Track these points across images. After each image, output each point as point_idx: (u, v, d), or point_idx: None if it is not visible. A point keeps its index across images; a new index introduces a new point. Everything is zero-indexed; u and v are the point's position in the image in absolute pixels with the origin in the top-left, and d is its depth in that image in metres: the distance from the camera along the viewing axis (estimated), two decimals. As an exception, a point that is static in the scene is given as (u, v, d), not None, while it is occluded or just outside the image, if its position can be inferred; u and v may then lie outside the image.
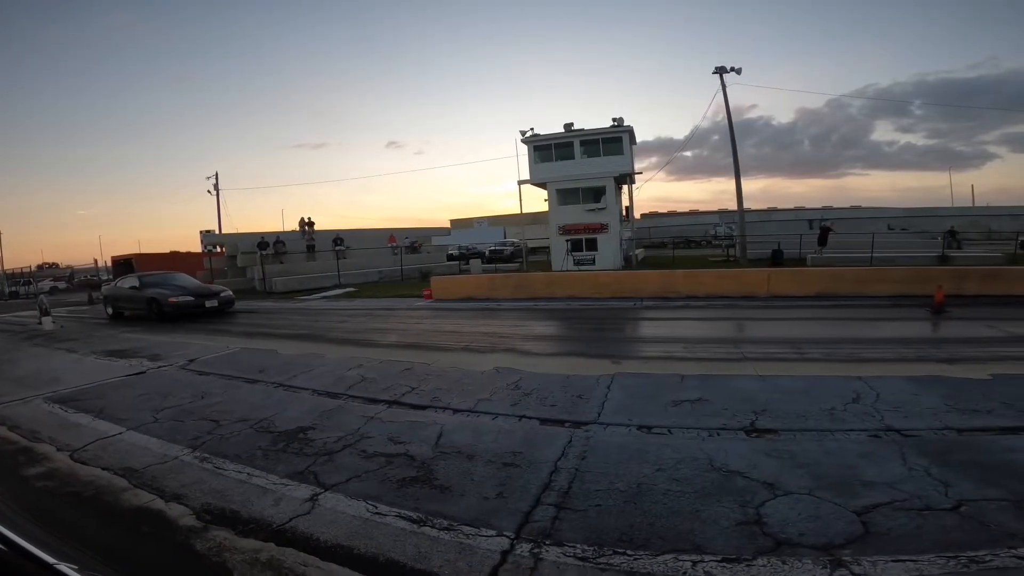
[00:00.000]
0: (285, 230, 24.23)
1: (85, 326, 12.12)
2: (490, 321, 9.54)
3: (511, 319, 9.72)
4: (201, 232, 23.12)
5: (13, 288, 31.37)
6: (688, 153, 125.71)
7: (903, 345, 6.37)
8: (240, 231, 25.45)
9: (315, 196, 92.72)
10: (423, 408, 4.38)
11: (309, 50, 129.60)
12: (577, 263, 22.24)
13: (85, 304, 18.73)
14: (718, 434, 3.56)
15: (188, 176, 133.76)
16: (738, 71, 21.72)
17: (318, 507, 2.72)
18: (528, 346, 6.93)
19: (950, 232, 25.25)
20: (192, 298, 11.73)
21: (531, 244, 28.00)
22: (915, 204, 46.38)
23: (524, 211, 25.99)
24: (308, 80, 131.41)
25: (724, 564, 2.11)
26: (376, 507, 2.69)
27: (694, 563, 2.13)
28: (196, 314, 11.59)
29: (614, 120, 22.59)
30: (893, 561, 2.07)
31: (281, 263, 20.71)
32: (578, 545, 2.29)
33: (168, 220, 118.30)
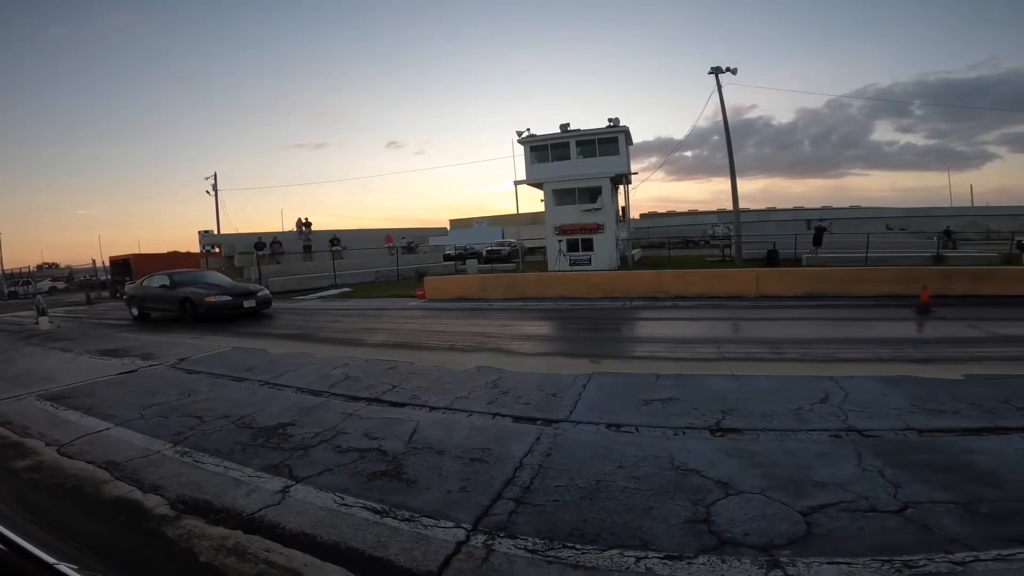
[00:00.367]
0: (284, 230, 24.41)
1: (82, 326, 12.30)
2: (479, 321, 9.67)
3: (500, 319, 9.85)
4: (199, 232, 23.30)
5: (12, 288, 31.62)
6: (688, 153, 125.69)
7: (882, 345, 6.42)
8: (240, 231, 25.66)
9: (315, 196, 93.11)
10: (401, 406, 4.51)
11: (309, 50, 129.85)
12: (573, 263, 22.37)
13: (83, 304, 18.92)
14: (684, 433, 3.63)
15: (188, 176, 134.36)
16: (733, 71, 21.82)
17: (288, 498, 2.85)
18: (512, 346, 7.06)
19: (946, 232, 25.30)
20: (230, 297, 10.98)
21: (529, 244, 28.13)
22: (915, 204, 46.37)
23: (524, 211, 26.19)
24: (308, 80, 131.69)
25: (666, 561, 2.17)
26: (343, 499, 2.82)
27: (638, 559, 2.20)
28: (233, 315, 10.90)
29: (610, 120, 22.70)
30: (828, 563, 2.09)
31: (278, 263, 20.87)
32: (530, 538, 2.38)
33: (168, 220, 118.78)
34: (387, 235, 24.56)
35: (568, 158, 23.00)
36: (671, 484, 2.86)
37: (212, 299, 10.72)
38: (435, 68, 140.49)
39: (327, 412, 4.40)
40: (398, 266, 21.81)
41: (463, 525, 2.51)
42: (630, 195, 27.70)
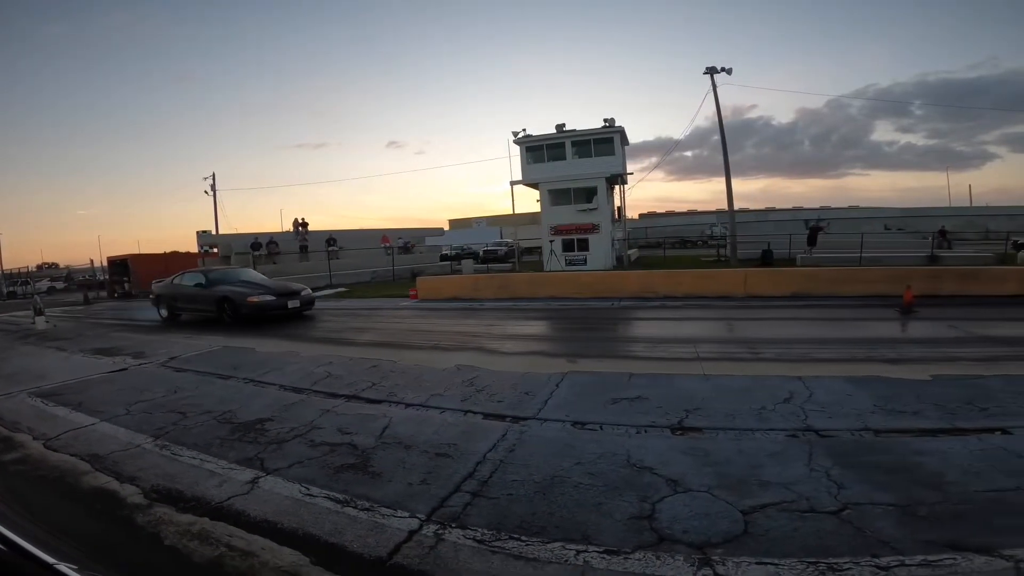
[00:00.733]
0: (284, 231, 24.61)
1: (77, 325, 12.48)
2: (467, 321, 9.82)
3: (488, 319, 9.99)
4: (197, 232, 23.53)
5: (11, 288, 31.93)
6: (688, 153, 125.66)
7: (857, 345, 6.48)
8: (239, 231, 25.85)
9: (315, 196, 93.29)
10: (378, 402, 4.65)
11: (309, 50, 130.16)
12: (569, 263, 22.51)
13: (80, 304, 19.15)
14: (645, 431, 3.70)
15: (189, 176, 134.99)
16: (728, 71, 21.90)
17: (257, 488, 3.00)
18: (495, 345, 7.20)
19: (941, 232, 25.40)
20: (273, 297, 10.10)
21: (527, 244, 28.27)
22: (915, 204, 46.46)
23: (523, 212, 26.27)
24: (309, 80, 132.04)
25: (604, 555, 2.24)
26: (309, 489, 2.97)
27: (578, 552, 2.27)
28: (278, 317, 10.13)
29: (605, 121, 22.82)
30: (756, 564, 2.12)
31: (274, 263, 21.06)
32: (480, 529, 2.49)
33: (168, 220, 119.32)
34: (384, 235, 24.72)
35: (564, 158, 23.14)
36: (623, 481, 2.93)
37: (255, 299, 9.88)
38: (435, 68, 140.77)
39: (306, 408, 4.55)
40: (394, 266, 21.99)
41: (418, 515, 2.64)
42: (626, 195, 27.86)
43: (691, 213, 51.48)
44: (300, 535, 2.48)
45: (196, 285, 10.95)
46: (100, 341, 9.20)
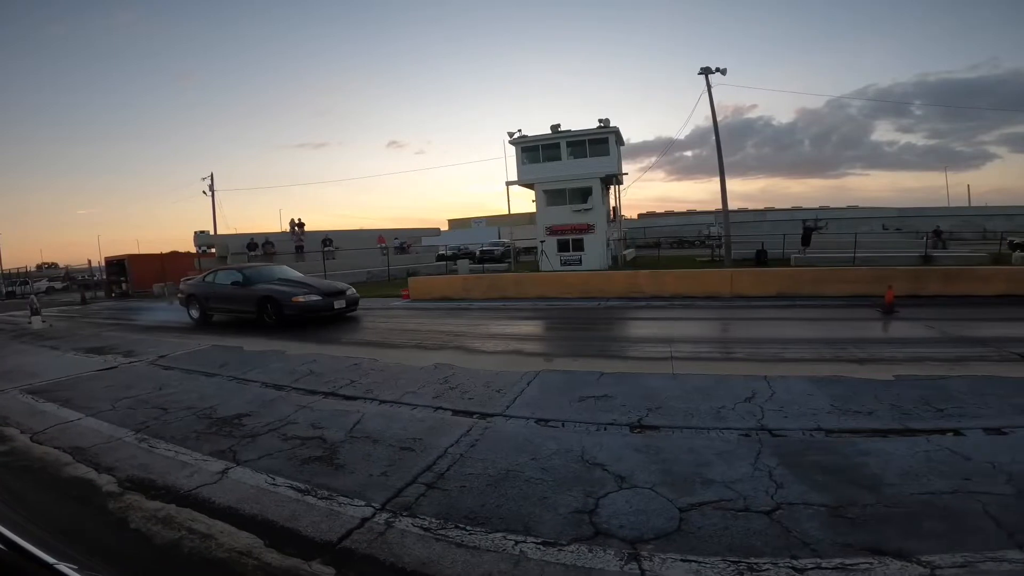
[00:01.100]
0: (282, 231, 24.84)
1: (73, 325, 12.70)
2: (454, 320, 9.98)
3: (474, 318, 10.16)
4: (195, 233, 23.75)
5: (10, 288, 32.26)
6: (688, 153, 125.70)
7: (830, 345, 6.50)
8: (239, 231, 26.06)
9: (315, 196, 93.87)
10: (354, 399, 4.82)
11: (311, 49, 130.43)
12: (564, 263, 22.68)
13: (78, 304, 19.41)
14: (605, 429, 3.77)
15: (190, 175, 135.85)
16: (723, 72, 22.00)
17: (225, 478, 3.18)
18: (476, 344, 7.36)
19: (935, 232, 25.51)
20: (319, 297, 9.50)
21: (525, 244, 28.44)
22: (915, 204, 46.47)
23: (523, 212, 26.47)
24: (312, 79, 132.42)
25: (541, 546, 2.34)
26: (274, 479, 3.14)
27: (516, 543, 2.37)
28: (323, 318, 9.60)
29: (600, 121, 23.00)
30: (681, 560, 2.18)
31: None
32: (428, 518, 2.61)
33: (169, 220, 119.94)
34: (380, 236, 24.92)
35: (559, 159, 23.33)
36: (574, 476, 3.02)
37: (301, 299, 9.26)
38: (435, 68, 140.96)
39: (284, 404, 4.73)
40: (388, 266, 22.19)
41: (373, 504, 2.79)
42: (621, 195, 28.01)
43: (690, 213, 51.63)
44: (259, 520, 2.65)
45: (233, 284, 10.19)
46: (93, 340, 9.41)
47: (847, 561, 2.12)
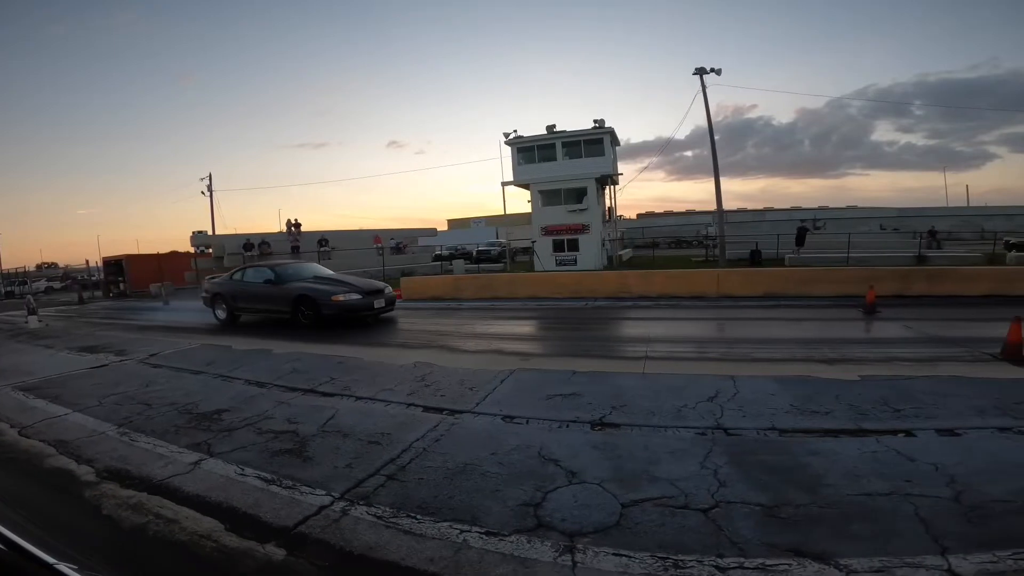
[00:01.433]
0: (279, 231, 25.07)
1: (69, 324, 12.92)
2: (441, 320, 10.15)
3: (462, 318, 10.32)
4: (193, 233, 24.00)
5: (9, 288, 32.59)
6: (688, 153, 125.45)
7: (803, 345, 6.54)
8: (237, 231, 26.31)
9: (315, 196, 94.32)
10: (332, 396, 4.99)
11: (311, 49, 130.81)
12: (559, 263, 22.83)
13: (75, 304, 19.68)
14: (567, 426, 3.85)
15: (190, 175, 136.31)
16: (718, 72, 22.10)
17: (197, 469, 3.35)
18: (459, 343, 7.52)
19: (930, 232, 25.59)
20: (360, 296, 9.06)
21: (523, 244, 28.59)
22: (915, 204, 46.43)
23: (521, 212, 26.59)
24: (312, 79, 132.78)
25: (484, 536, 2.43)
26: (243, 470, 3.31)
27: (461, 532, 2.47)
28: (362, 319, 9.22)
29: (595, 121, 23.12)
30: (613, 554, 2.23)
31: (268, 263, 21.46)
32: (382, 507, 2.73)
33: (168, 220, 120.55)
34: (376, 236, 25.11)
35: (554, 159, 23.47)
36: (528, 471, 3.10)
37: (341, 298, 8.82)
38: (435, 68, 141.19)
39: (264, 401, 4.90)
40: (384, 266, 22.36)
41: (333, 493, 2.95)
42: (617, 196, 28.14)
43: (688, 213, 51.71)
44: (223, 507, 2.83)
45: (265, 282, 9.72)
46: (87, 339, 9.61)
47: (768, 562, 2.15)
